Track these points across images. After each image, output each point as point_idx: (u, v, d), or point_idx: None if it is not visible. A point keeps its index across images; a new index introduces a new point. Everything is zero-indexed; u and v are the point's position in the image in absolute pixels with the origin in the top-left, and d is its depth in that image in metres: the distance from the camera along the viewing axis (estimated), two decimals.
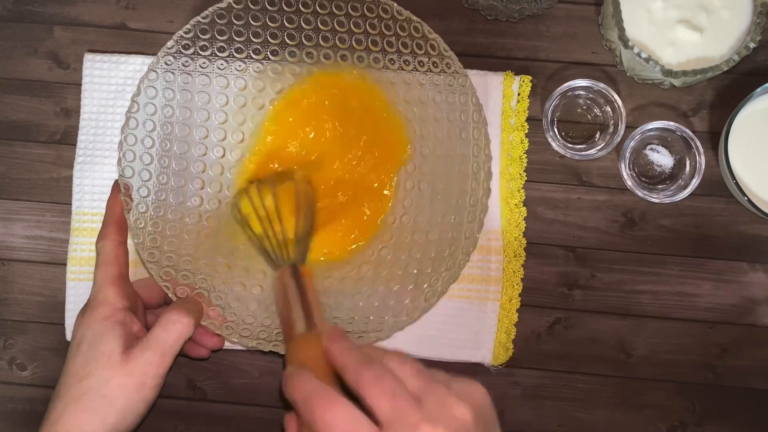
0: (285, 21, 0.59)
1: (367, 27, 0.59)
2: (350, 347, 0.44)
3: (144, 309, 0.58)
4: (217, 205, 0.61)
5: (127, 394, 0.51)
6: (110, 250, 0.55)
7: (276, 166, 0.62)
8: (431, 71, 0.59)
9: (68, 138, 0.65)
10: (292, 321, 0.52)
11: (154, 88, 0.59)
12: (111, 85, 0.64)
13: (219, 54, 0.60)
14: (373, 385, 0.41)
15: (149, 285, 0.58)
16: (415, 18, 0.58)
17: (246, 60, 0.61)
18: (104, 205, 0.63)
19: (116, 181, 0.57)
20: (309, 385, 0.42)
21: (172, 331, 0.52)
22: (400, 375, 0.41)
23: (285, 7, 0.59)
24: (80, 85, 0.64)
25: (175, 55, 0.59)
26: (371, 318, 0.58)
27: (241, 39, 0.60)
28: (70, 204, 0.63)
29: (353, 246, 0.62)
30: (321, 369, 0.47)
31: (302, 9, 0.59)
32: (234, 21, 0.59)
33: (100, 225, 0.63)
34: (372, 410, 0.40)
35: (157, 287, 0.57)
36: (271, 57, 0.61)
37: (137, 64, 0.64)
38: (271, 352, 0.56)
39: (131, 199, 0.57)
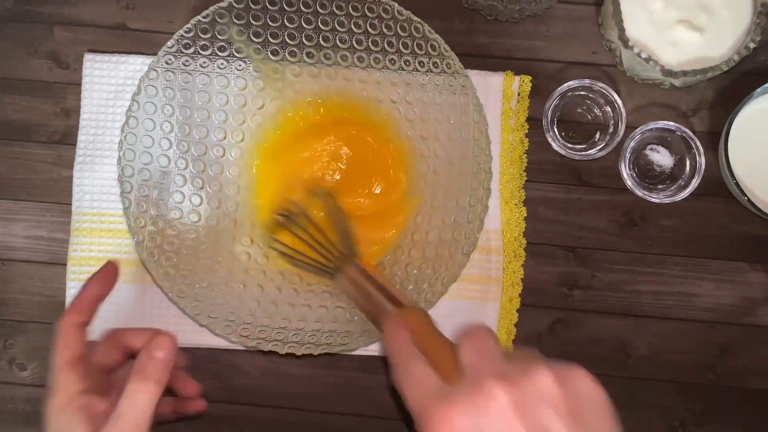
0: (286, 21, 0.59)
1: (368, 27, 0.59)
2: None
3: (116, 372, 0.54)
4: (218, 205, 0.61)
5: None
6: (65, 332, 0.50)
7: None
8: (432, 72, 0.59)
9: (68, 138, 0.65)
10: (379, 308, 0.51)
11: (155, 87, 0.59)
12: (111, 85, 0.64)
13: (219, 53, 0.60)
14: (469, 340, 0.41)
15: (107, 349, 0.53)
16: (415, 18, 0.58)
17: (246, 59, 0.61)
18: (104, 205, 0.63)
19: (109, 262, 0.53)
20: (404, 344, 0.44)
21: (139, 401, 0.47)
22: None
23: (286, 7, 0.59)
24: (80, 85, 0.64)
25: (176, 54, 0.59)
26: None
27: (242, 38, 0.60)
28: (70, 204, 0.63)
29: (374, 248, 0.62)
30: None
31: (303, 9, 0.59)
32: (235, 20, 0.59)
33: (100, 225, 0.63)
34: (459, 362, 0.40)
35: (117, 348, 0.52)
36: (271, 57, 0.61)
37: (137, 64, 0.64)
38: (271, 352, 0.56)
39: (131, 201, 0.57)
